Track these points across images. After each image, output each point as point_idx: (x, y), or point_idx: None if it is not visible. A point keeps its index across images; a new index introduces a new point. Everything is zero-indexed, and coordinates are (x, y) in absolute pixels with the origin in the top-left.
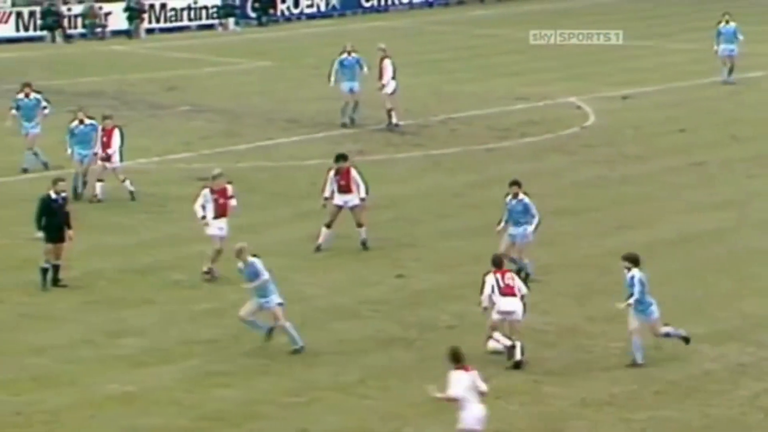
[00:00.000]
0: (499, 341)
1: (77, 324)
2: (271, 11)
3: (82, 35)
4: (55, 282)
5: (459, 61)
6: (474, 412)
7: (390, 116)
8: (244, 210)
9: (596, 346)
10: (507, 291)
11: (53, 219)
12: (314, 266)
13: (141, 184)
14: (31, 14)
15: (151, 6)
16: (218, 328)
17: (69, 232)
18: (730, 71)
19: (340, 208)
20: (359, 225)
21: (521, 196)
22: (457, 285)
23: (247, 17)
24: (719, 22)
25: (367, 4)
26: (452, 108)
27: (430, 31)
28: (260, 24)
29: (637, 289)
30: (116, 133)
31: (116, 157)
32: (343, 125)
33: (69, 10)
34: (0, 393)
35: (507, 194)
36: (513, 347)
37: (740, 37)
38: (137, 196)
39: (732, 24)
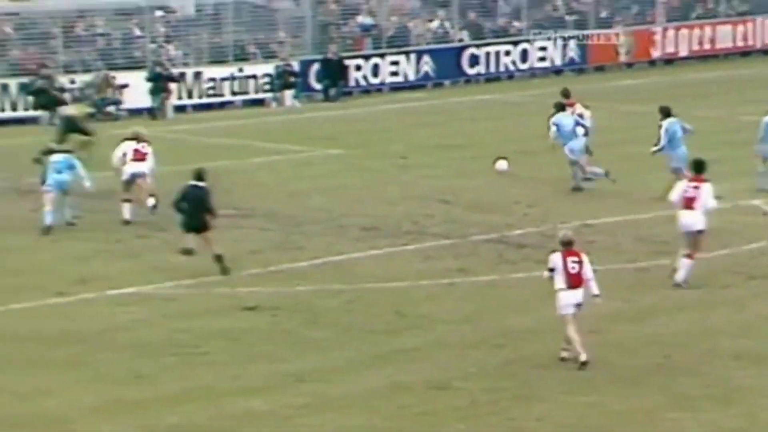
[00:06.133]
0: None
1: None
2: (342, 82)
3: (90, 115)
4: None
5: None
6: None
7: None
8: (288, 352)
9: None
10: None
11: None
12: None
13: (166, 315)
14: (22, 87)
15: (182, 75)
16: None
17: None
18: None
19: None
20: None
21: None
22: None
23: (310, 89)
24: None
25: (472, 71)
26: None
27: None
28: (327, 98)
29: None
30: None
31: None
32: None
33: (72, 82)
34: None
35: None
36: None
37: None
38: None
39: None
